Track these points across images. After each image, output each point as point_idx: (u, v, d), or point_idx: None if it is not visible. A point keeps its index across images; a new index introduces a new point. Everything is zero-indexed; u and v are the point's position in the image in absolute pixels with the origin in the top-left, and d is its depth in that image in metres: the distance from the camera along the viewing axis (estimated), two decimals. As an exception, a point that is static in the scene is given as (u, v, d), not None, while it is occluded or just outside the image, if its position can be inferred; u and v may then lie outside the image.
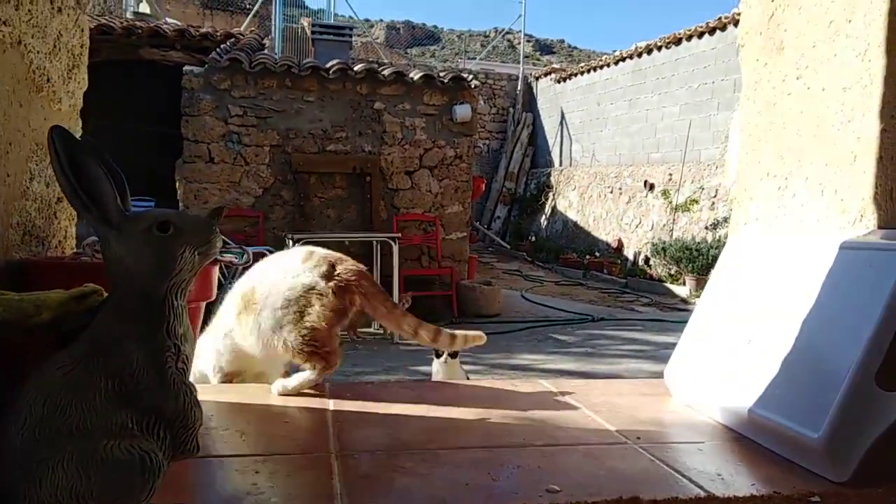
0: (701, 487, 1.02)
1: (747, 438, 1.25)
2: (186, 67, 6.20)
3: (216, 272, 1.64)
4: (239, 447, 1.19)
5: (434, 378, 3.12)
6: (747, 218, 1.57)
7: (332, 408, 1.43)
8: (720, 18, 9.87)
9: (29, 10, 1.09)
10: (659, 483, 1.04)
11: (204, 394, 1.20)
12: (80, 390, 0.80)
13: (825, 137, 1.24)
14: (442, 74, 6.70)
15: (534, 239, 12.80)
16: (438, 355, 3.14)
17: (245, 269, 1.66)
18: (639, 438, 1.25)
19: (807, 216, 1.31)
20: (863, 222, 1.16)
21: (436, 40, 51.73)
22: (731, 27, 9.65)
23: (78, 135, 1.35)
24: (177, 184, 6.44)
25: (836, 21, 1.17)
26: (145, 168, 9.20)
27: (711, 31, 10.03)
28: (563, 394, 1.56)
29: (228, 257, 1.48)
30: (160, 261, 0.84)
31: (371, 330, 5.57)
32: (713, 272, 1.56)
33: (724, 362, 1.36)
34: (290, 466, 1.10)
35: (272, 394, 1.49)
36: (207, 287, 1.59)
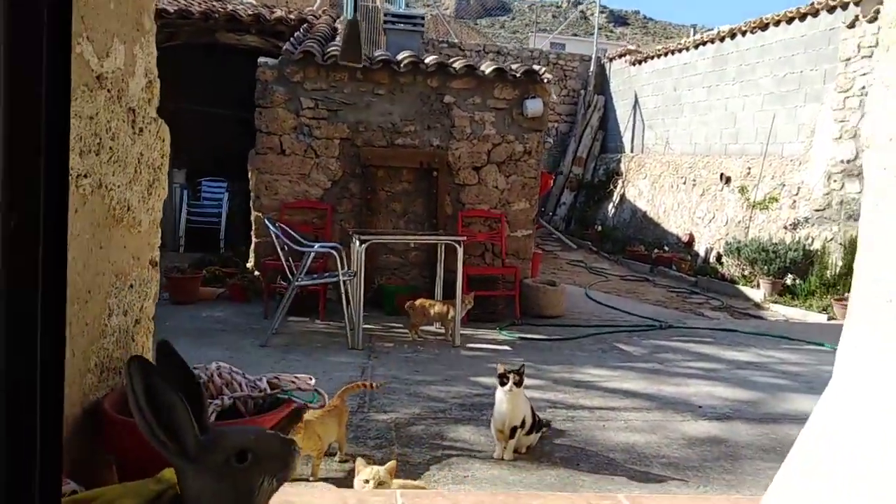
0: None
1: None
2: (261, 59, 6.24)
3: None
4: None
5: (497, 407, 3.08)
6: (862, 342, 1.40)
7: None
8: (812, 3, 9.22)
9: (110, 149, 1.07)
10: None
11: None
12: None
13: None
14: (514, 68, 6.51)
15: (600, 228, 12.50)
16: (503, 383, 3.09)
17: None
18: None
19: None
20: None
21: (506, 10, 50.80)
22: (823, 13, 9.02)
23: (156, 248, 1.33)
24: (249, 173, 6.54)
25: None
26: (221, 149, 9.45)
27: (802, 17, 9.40)
28: None
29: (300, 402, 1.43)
30: (238, 494, 0.81)
31: (433, 329, 5.57)
32: (822, 398, 1.41)
33: None
34: None
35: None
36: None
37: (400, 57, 6.32)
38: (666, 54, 12.52)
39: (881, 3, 1.32)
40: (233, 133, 9.10)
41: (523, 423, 3.07)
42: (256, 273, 6.36)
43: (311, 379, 1.47)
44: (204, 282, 6.39)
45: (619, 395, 4.14)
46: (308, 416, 2.73)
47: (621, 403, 3.95)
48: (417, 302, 5.36)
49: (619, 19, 49.15)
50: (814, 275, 8.14)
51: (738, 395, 4.20)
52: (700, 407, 3.95)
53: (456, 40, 14.38)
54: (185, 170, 9.32)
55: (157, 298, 1.40)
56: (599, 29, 20.54)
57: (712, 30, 12.22)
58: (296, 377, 1.49)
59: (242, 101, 8.10)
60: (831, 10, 8.89)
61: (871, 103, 1.34)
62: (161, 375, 0.83)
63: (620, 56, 14.15)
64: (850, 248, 8.27)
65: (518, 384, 3.09)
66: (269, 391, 1.33)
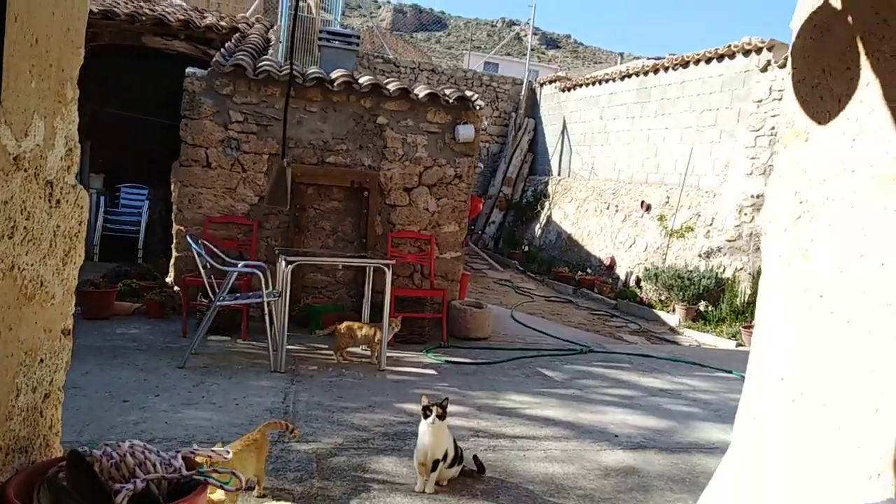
0: None
1: None
2: (189, 70, 6.07)
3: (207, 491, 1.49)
4: None
5: (420, 440, 3.09)
6: (752, 430, 1.49)
7: None
8: (729, 46, 9.80)
9: (24, 228, 1.03)
10: None
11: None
12: None
13: (846, 375, 1.19)
14: (448, 93, 6.60)
15: (527, 248, 12.77)
16: (426, 416, 3.11)
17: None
18: None
19: (825, 445, 1.27)
20: (880, 480, 1.12)
21: (443, 26, 51.34)
22: (739, 56, 9.59)
23: (69, 324, 1.27)
24: (172, 186, 6.33)
25: (867, 258, 1.12)
26: (144, 155, 9.10)
27: (720, 58, 9.97)
28: None
29: (217, 484, 1.39)
30: None
31: (358, 351, 5.53)
32: (726, 457, 1.50)
33: None
34: None
35: None
36: None
37: (334, 75, 6.29)
38: (594, 83, 12.97)
39: (780, 141, 1.43)
40: (157, 139, 8.80)
41: (445, 455, 3.10)
42: (176, 288, 6.15)
43: (228, 453, 1.43)
44: (119, 296, 6.12)
45: (540, 422, 4.23)
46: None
47: (541, 432, 4.04)
48: (344, 324, 5.32)
49: (551, 42, 50.54)
50: (725, 302, 8.58)
51: (652, 424, 4.37)
52: (616, 436, 4.08)
53: (391, 55, 14.42)
54: (102, 175, 8.94)
55: (68, 367, 1.34)
56: (532, 50, 21.05)
57: (639, 58, 12.76)
58: (213, 451, 1.46)
59: (168, 107, 7.86)
60: (746, 53, 9.47)
61: (770, 192, 1.45)
62: (69, 495, 0.80)
63: (551, 82, 14.55)
64: (758, 278, 8.79)
65: (441, 417, 3.11)
66: (184, 471, 1.29)
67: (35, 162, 1.08)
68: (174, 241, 6.22)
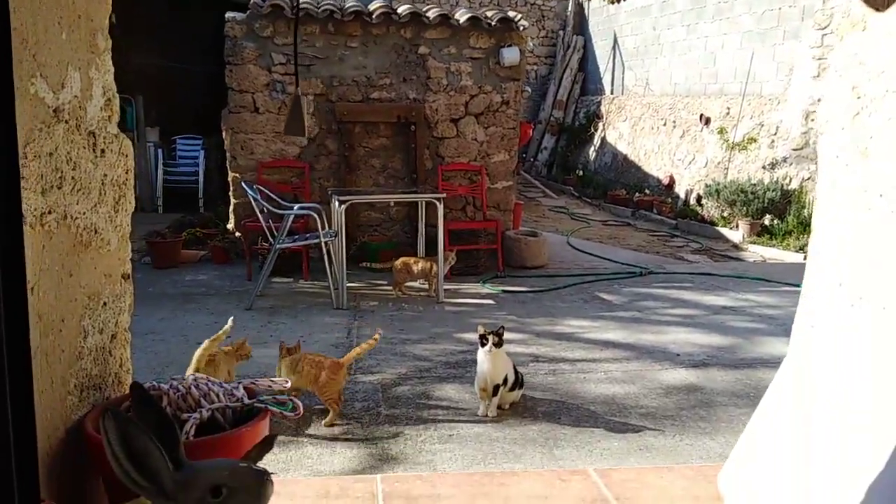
0: None
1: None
2: (228, 14, 6.04)
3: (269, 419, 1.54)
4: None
5: (479, 367, 3.15)
6: (817, 322, 1.43)
7: None
8: (794, -64, 9.02)
9: (72, 178, 1.05)
10: None
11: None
12: None
13: None
14: (489, 15, 6.37)
15: (581, 173, 12.49)
16: (483, 344, 3.15)
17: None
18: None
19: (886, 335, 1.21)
20: None
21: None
22: (805, -53, 8.83)
23: (127, 261, 1.32)
24: (223, 133, 6.42)
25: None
26: (194, 105, 9.24)
27: (783, -49, 9.21)
28: (613, 498, 1.51)
29: (277, 410, 1.44)
30: None
31: (416, 285, 5.61)
32: (778, 374, 1.46)
33: (786, 489, 1.28)
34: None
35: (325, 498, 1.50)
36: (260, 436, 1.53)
37: (371, 7, 6.15)
38: (645, -8, 12.26)
39: (836, 35, 1.31)
40: (205, 89, 8.89)
41: (505, 380, 3.15)
42: (238, 234, 6.33)
43: (286, 382, 1.49)
44: (185, 244, 6.35)
45: (600, 346, 4.23)
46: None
47: (602, 355, 4.05)
48: (400, 260, 5.39)
49: (598, -47, 47.68)
50: (791, 214, 8.24)
51: (715, 342, 4.32)
52: (678, 355, 4.06)
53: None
54: (157, 128, 9.14)
55: (132, 310, 1.41)
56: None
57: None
58: (272, 380, 1.51)
59: (214, 55, 7.89)
60: (811, -57, 8.71)
61: (827, 90, 1.35)
62: (133, 423, 0.85)
63: (599, -6, 13.83)
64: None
65: (497, 345, 3.15)
66: (245, 400, 1.35)
67: (75, 113, 1.11)
68: (231, 188, 6.36)
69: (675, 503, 1.52)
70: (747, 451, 1.45)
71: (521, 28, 6.40)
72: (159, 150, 8.92)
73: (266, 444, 0.90)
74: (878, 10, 1.10)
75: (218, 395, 1.29)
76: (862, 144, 1.19)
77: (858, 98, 1.19)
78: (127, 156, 1.30)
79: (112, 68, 1.25)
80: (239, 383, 1.40)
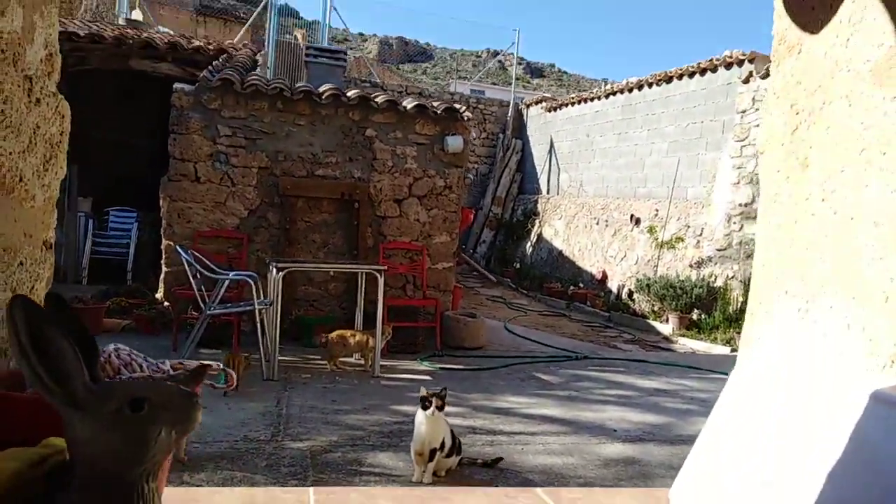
0: None
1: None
2: (177, 85, 6.09)
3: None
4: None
5: (417, 430, 3.04)
6: (762, 333, 1.49)
7: None
8: (711, 59, 9.97)
9: (2, 112, 1.00)
10: None
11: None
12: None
13: (853, 270, 1.18)
14: (435, 105, 6.65)
15: (518, 266, 12.76)
16: (425, 407, 3.06)
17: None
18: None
19: (830, 347, 1.25)
20: (893, 369, 1.09)
21: (428, 57, 52.01)
22: (721, 69, 9.75)
23: (52, 227, 1.25)
24: (161, 201, 6.30)
25: (869, 150, 1.12)
26: (132, 179, 9.07)
27: (702, 72, 10.13)
28: None
29: (208, 383, 1.38)
30: (131, 446, 0.74)
31: (352, 360, 5.46)
32: (726, 387, 1.47)
33: (740, 501, 1.27)
34: None
35: None
36: None
37: (322, 89, 6.33)
38: (579, 102, 13.13)
39: (772, 62, 1.44)
40: (145, 163, 8.78)
41: (443, 445, 3.04)
42: (166, 304, 6.07)
43: (219, 364, 1.40)
44: (108, 314, 6.03)
45: (537, 420, 4.17)
46: None
47: (539, 428, 3.98)
48: (336, 333, 5.26)
49: (535, 71, 51.21)
50: (717, 310, 8.57)
51: (650, 420, 4.32)
52: (615, 430, 4.03)
53: (378, 80, 14.56)
54: (90, 198, 8.88)
55: (50, 283, 1.30)
56: (517, 79, 21.34)
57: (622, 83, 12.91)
58: (201, 363, 1.42)
59: (157, 129, 7.86)
60: (728, 66, 9.63)
61: (765, 114, 1.45)
62: (47, 318, 0.76)
63: (537, 102, 14.71)
64: (748, 285, 8.81)
65: (440, 408, 3.06)
66: (171, 372, 1.26)
67: (12, 48, 1.06)
68: (164, 256, 6.17)
69: None
70: (696, 464, 1.43)
71: (466, 118, 6.68)
72: (90, 220, 8.63)
73: (198, 374, 0.83)
74: (812, 32, 1.21)
75: (141, 367, 1.20)
76: (802, 156, 1.27)
77: (797, 114, 1.29)
78: (63, 117, 1.24)
79: (58, 26, 1.21)
80: (165, 360, 1.30)
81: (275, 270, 5.00)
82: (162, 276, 6.29)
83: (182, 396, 0.78)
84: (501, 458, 3.29)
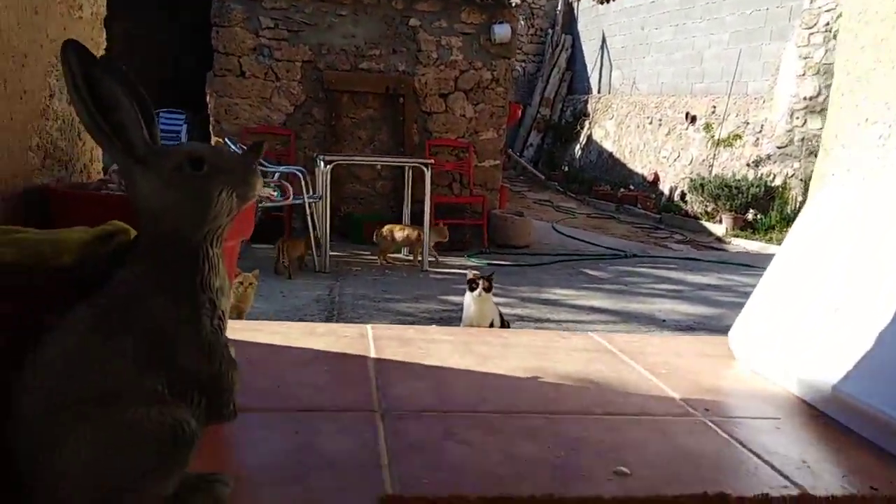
0: (788, 479, 0.92)
1: (828, 416, 1.13)
2: (216, -26, 5.92)
3: (254, 208, 1.52)
4: (277, 400, 1.11)
5: (466, 312, 3.04)
6: (837, 167, 1.39)
7: (373, 355, 1.34)
8: (784, -63, 9.13)
9: None
10: (740, 471, 0.94)
11: (236, 333, 1.11)
12: (103, 350, 0.70)
13: None
14: (483, -10, 6.31)
15: (567, 169, 12.49)
16: (472, 289, 3.05)
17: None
18: (707, 410, 1.14)
19: None
20: None
21: (473, -47, 49.39)
22: (794, -52, 8.94)
23: (101, 47, 1.22)
24: (207, 97, 6.28)
25: None
26: (179, 78, 9.05)
27: (773, -48, 9.31)
28: (617, 350, 1.44)
29: (267, 192, 1.38)
30: (194, 203, 0.73)
31: (401, 256, 5.51)
32: (794, 226, 1.40)
33: (803, 329, 1.23)
34: (332, 426, 1.02)
35: (310, 335, 1.42)
36: (246, 225, 1.48)
37: (364, -25, 6.06)
38: (635, -8, 12.34)
39: None
40: (192, 63, 8.72)
41: (491, 325, 3.05)
42: (217, 201, 6.17)
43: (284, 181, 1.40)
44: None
45: (586, 310, 4.16)
46: None
47: (588, 318, 3.97)
48: (385, 227, 5.27)
49: (586, -35, 48.12)
50: (774, 210, 8.28)
51: (702, 311, 4.27)
52: (664, 321, 3.99)
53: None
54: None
55: None
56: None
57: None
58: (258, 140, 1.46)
59: (202, 26, 7.73)
60: (801, -57, 8.81)
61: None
62: (103, 66, 0.74)
63: (589, -6, 13.90)
64: (809, 183, 8.42)
65: (487, 290, 3.04)
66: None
67: None
68: (212, 154, 6.20)
69: (685, 357, 1.43)
70: (756, 306, 1.39)
71: (514, 4, 6.35)
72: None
73: (255, 147, 0.80)
74: None
75: None
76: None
77: None
78: None
79: None
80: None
81: (322, 164, 4.99)
82: (212, 173, 6.35)
83: (242, 162, 0.77)
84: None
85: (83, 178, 1.22)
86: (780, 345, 1.27)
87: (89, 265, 0.80)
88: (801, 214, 1.38)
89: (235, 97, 6.03)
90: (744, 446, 1.01)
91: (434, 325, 1.90)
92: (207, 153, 0.75)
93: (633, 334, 2.09)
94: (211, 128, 6.18)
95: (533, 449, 0.96)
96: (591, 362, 1.35)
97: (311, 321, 3.55)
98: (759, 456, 0.98)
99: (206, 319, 0.75)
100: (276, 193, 1.24)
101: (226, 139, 5.29)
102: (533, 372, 1.27)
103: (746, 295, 4.64)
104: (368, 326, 1.39)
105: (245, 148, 4.94)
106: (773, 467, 0.95)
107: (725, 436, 1.04)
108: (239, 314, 3.14)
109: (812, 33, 8.60)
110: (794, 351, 1.24)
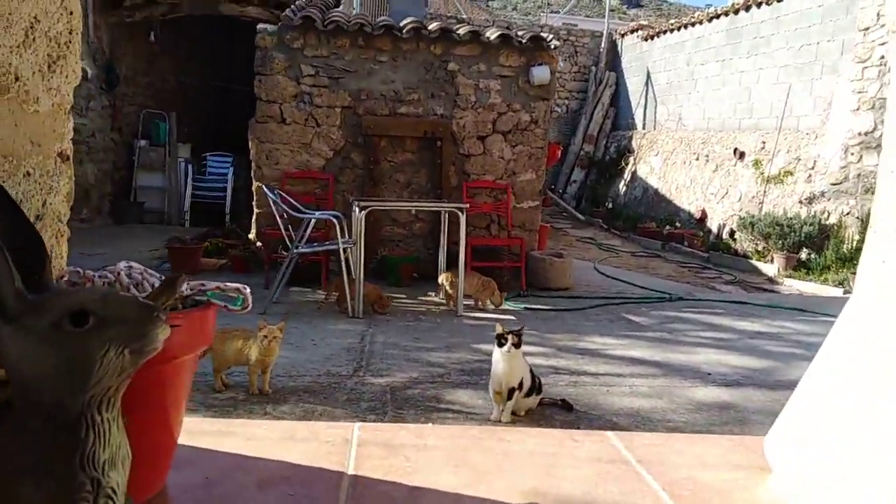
0: None
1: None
2: (260, 25, 6.10)
3: (214, 312, 1.37)
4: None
5: (494, 368, 2.96)
6: (887, 255, 1.22)
7: (351, 471, 1.23)
8: (833, -29, 8.92)
9: None
10: None
11: (208, 436, 1.05)
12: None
13: None
14: (520, 34, 6.32)
15: (611, 206, 12.31)
16: (500, 344, 2.96)
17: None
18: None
19: None
20: None
21: (518, -9, 50.07)
22: (844, -19, 8.71)
23: (66, 138, 1.19)
24: (250, 143, 6.42)
25: None
26: (228, 123, 9.34)
27: (821, -15, 9.10)
28: (635, 461, 1.31)
29: (221, 304, 1.32)
30: (73, 367, 0.63)
31: (436, 300, 5.45)
32: (838, 320, 1.26)
33: (856, 452, 1.04)
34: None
35: (289, 440, 1.33)
36: (203, 337, 1.32)
37: (403, 23, 6.15)
38: (679, 28, 12.23)
39: None
40: (239, 107, 9.00)
41: (521, 385, 2.95)
42: (259, 244, 6.26)
43: (245, 288, 1.35)
44: (206, 253, 6.30)
45: (625, 361, 4.00)
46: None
47: (627, 370, 3.82)
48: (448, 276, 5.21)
49: (632, 1, 48.36)
50: (829, 249, 7.93)
51: (750, 364, 4.06)
52: (709, 374, 3.81)
53: (465, 16, 14.14)
54: (189, 144, 9.24)
55: (70, 199, 1.25)
56: (612, 11, 20.16)
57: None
58: (222, 284, 1.38)
59: (248, 74, 7.99)
60: (850, -24, 8.59)
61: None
62: None
63: (632, 31, 13.85)
64: (868, 222, 8.04)
65: (517, 345, 2.95)
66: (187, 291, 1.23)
67: None
68: (255, 198, 6.32)
69: (712, 470, 1.30)
70: (800, 409, 1.24)
71: (553, 47, 6.33)
72: (189, 166, 8.99)
73: (169, 286, 0.73)
74: None
75: (153, 286, 1.16)
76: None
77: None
78: (72, 14, 1.16)
79: None
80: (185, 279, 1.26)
81: (357, 210, 5.01)
82: (254, 217, 6.47)
83: (139, 309, 0.68)
84: (569, 405, 3.13)
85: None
86: (829, 468, 1.10)
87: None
88: (846, 306, 1.24)
89: (276, 142, 6.15)
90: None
91: (430, 425, 1.72)
92: (93, 304, 0.66)
93: (656, 433, 1.91)
94: (252, 173, 6.30)
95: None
96: (601, 480, 1.23)
97: (339, 372, 3.52)
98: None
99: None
100: (235, 304, 1.17)
101: (263, 187, 5.38)
102: (530, 497, 1.15)
103: (798, 344, 4.40)
104: (356, 427, 1.30)
105: (283, 195, 4.99)
106: None
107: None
108: (264, 369, 3.12)
109: (866, 67, 8.32)
110: (844, 479, 1.05)
